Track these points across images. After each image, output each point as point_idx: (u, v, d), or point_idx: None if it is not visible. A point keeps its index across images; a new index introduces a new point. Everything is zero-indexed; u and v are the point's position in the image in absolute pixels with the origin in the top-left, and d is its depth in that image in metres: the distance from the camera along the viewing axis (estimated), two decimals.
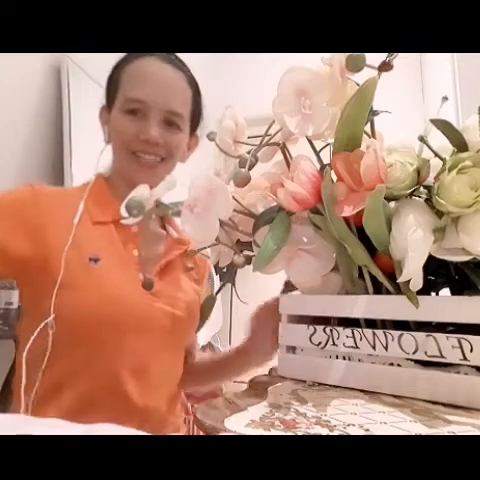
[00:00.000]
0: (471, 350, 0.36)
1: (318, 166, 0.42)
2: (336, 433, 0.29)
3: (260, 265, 0.41)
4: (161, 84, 0.64)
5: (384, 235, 0.38)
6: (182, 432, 0.65)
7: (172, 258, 0.64)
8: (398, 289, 0.40)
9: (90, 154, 0.71)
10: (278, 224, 0.42)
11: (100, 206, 0.64)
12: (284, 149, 0.45)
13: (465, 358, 0.36)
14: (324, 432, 0.29)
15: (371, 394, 0.39)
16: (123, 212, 0.44)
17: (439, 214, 0.37)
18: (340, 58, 0.40)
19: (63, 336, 0.53)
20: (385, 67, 0.38)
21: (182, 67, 0.67)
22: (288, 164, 0.45)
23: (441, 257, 0.36)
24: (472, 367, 0.36)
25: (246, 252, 0.49)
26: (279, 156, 0.47)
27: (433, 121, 0.37)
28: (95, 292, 0.56)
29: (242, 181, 0.42)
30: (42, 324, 0.53)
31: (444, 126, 0.37)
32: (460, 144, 0.36)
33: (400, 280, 0.38)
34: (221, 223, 0.46)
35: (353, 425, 0.30)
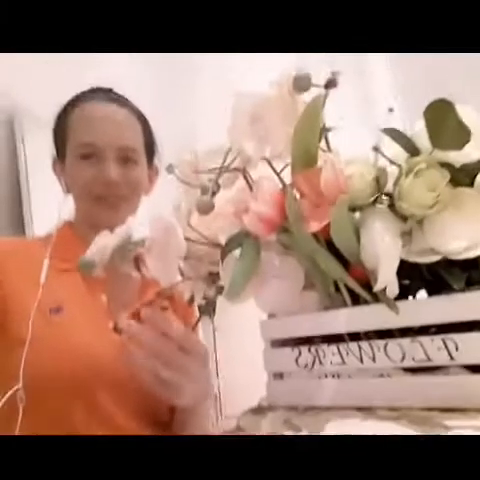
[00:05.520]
0: (456, 349, 0.36)
1: (280, 186, 0.43)
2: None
3: (232, 296, 0.40)
4: (109, 123, 0.64)
5: (353, 246, 0.38)
6: None
7: (148, 300, 0.62)
8: (376, 298, 0.40)
9: (50, 204, 0.70)
10: (247, 251, 0.41)
11: (64, 253, 0.62)
12: (245, 174, 0.45)
13: (452, 358, 0.35)
14: None
15: (365, 410, 0.37)
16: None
17: (403, 218, 0.37)
18: (288, 78, 0.41)
19: (26, 396, 0.50)
20: (330, 85, 0.39)
21: (126, 102, 0.68)
22: (251, 188, 0.45)
23: (412, 260, 0.36)
24: (460, 367, 0.35)
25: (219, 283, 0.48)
26: (242, 181, 0.47)
27: (384, 130, 0.38)
28: (56, 346, 0.53)
29: (205, 208, 0.41)
30: (8, 394, 0.49)
31: (394, 134, 0.38)
32: (412, 149, 0.37)
33: (376, 289, 0.37)
34: (186, 258, 0.46)
35: None
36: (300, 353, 0.43)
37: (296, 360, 0.43)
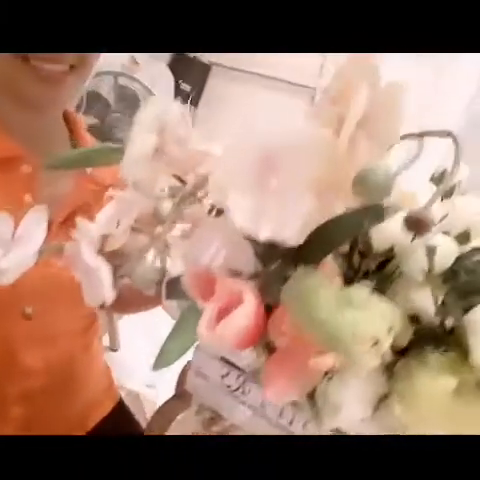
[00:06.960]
0: None
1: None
2: None
3: (159, 367, 0.32)
4: None
5: None
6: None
7: (82, 202, 0.47)
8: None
9: None
10: (186, 322, 0.31)
11: None
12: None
13: None
14: None
15: None
16: None
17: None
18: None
19: None
20: None
21: None
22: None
23: None
24: None
25: None
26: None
27: None
28: None
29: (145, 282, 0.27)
30: None
31: None
32: None
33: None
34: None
35: None
36: (228, 373, 0.41)
37: (222, 376, 0.42)
